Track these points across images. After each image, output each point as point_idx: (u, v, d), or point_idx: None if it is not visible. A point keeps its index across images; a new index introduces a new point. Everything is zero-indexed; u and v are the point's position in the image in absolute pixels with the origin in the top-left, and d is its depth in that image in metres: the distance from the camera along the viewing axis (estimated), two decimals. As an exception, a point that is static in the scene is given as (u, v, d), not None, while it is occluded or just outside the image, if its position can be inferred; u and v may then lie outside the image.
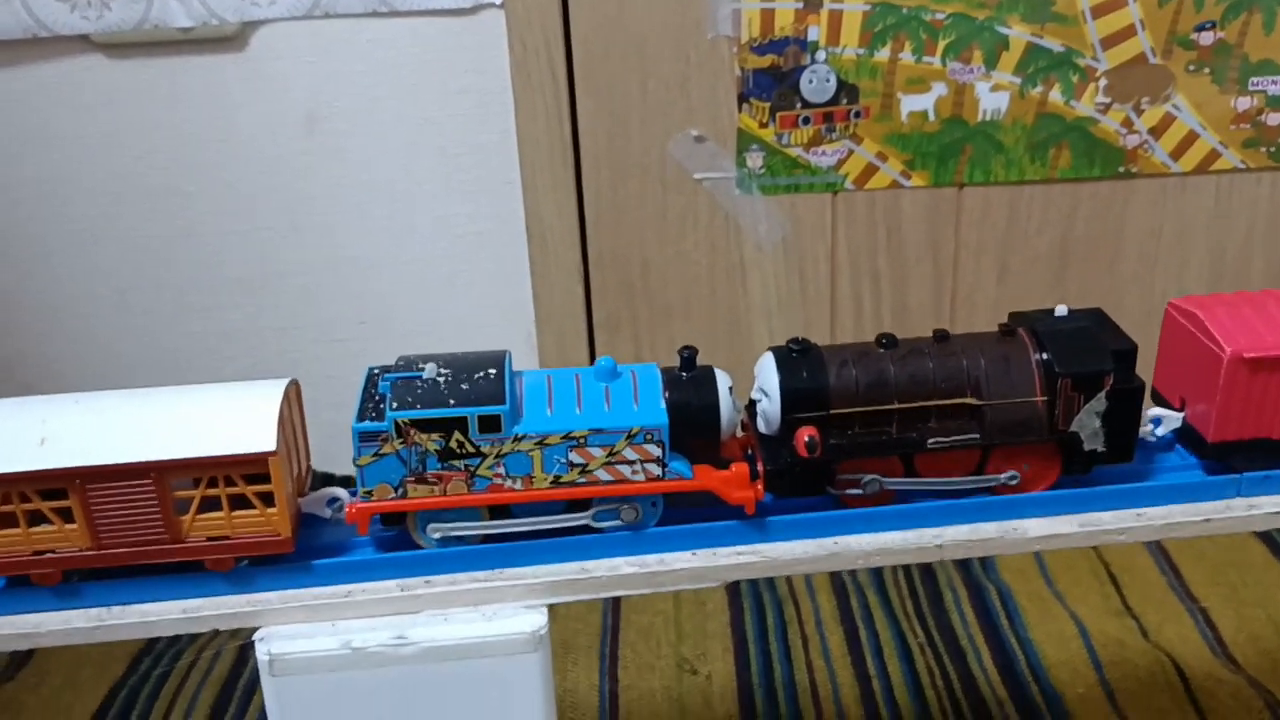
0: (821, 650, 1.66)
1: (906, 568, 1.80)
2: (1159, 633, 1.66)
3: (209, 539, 0.89)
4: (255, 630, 0.91)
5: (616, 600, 1.77)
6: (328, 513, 0.94)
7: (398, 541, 0.94)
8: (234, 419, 0.87)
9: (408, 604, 0.92)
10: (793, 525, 0.95)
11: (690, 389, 0.93)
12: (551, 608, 0.92)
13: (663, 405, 0.91)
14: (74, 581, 0.90)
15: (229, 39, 1.68)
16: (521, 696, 0.91)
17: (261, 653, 0.89)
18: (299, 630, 0.90)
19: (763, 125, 1.74)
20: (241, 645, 1.69)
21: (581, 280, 1.82)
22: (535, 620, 0.91)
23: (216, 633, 0.93)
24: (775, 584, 1.79)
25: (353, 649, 0.89)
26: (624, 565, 0.93)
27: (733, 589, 1.78)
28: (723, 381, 0.93)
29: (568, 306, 1.84)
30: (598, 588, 0.93)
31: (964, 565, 1.81)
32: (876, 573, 1.80)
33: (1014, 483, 0.95)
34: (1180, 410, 1.01)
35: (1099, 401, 0.92)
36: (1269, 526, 0.98)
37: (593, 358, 1.84)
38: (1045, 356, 0.93)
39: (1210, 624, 1.67)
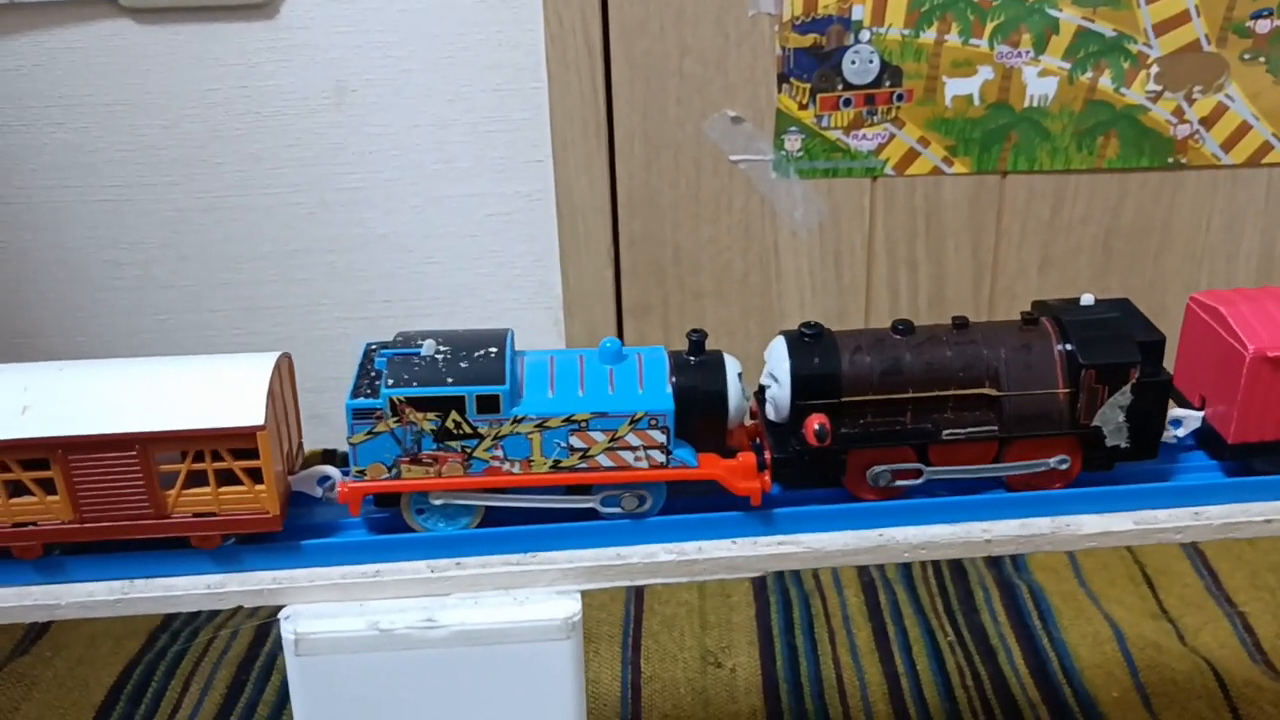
0: (849, 646, 1.63)
1: (937, 565, 1.76)
2: (1196, 637, 1.61)
3: (195, 515, 0.86)
4: (275, 611, 0.89)
5: (640, 590, 1.74)
6: (318, 491, 0.92)
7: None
8: (223, 392, 0.85)
9: (438, 586, 0.89)
10: (829, 516, 0.92)
11: (698, 374, 0.90)
12: (584, 594, 0.90)
13: (669, 390, 0.88)
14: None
15: (259, 6, 1.66)
16: (552, 684, 0.89)
17: (287, 631, 0.87)
18: (325, 609, 0.88)
19: (802, 107, 1.70)
20: (259, 625, 1.68)
21: (612, 263, 1.79)
22: (568, 606, 0.88)
23: (238, 610, 0.90)
24: (802, 578, 1.76)
25: (380, 630, 0.86)
26: (661, 552, 0.90)
27: (759, 582, 1.75)
28: (732, 367, 0.90)
29: (597, 290, 1.81)
30: (633, 574, 0.90)
31: (995, 563, 1.77)
32: (905, 569, 1.76)
33: (1064, 467, 0.92)
34: (1200, 409, 0.97)
35: (1124, 395, 0.89)
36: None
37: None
38: (1068, 347, 0.89)
39: (1249, 629, 1.63)
